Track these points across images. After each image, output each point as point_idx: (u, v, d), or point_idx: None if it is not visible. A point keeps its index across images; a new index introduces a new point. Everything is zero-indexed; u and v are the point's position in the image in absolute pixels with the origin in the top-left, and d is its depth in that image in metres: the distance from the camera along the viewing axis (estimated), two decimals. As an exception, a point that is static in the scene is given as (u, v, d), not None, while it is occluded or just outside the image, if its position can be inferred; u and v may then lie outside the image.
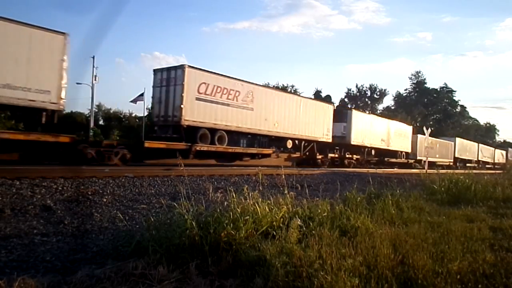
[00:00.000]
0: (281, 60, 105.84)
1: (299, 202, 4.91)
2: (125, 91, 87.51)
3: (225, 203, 3.98)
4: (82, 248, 3.77)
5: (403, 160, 31.94)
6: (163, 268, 2.86)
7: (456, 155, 40.28)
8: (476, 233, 4.59)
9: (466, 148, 44.09)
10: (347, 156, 25.48)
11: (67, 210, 5.60)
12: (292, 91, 54.16)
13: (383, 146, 28.83)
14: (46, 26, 11.46)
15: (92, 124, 24.12)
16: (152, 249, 3.16)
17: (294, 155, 21.11)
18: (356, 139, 25.53)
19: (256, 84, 19.09)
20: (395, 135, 30.61)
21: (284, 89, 53.73)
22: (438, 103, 72.42)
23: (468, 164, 40.33)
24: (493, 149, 53.03)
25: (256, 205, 3.98)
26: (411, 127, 34.87)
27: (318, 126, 22.24)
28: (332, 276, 2.68)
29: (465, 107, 75.71)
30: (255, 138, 18.97)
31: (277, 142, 20.15)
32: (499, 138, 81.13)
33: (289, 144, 20.46)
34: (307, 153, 21.97)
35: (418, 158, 33.31)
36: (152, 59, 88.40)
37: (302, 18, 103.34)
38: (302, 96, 25.69)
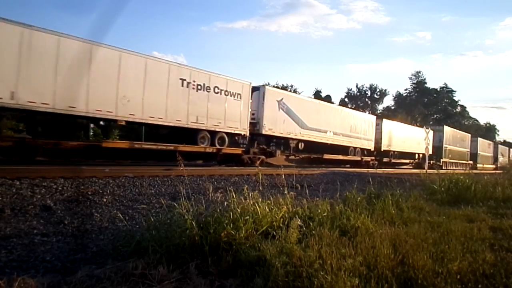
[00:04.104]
0: (280, 60, 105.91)
1: (299, 202, 4.90)
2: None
3: (225, 203, 3.97)
4: (82, 248, 3.77)
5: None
6: (163, 268, 2.86)
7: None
8: (476, 233, 4.58)
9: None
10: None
11: (67, 210, 5.60)
12: (292, 91, 54.10)
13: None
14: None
15: (92, 124, 24.03)
16: (152, 249, 3.15)
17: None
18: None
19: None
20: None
21: (284, 88, 53.46)
22: (438, 103, 72.45)
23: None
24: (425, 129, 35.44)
25: (256, 205, 3.98)
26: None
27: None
28: (332, 276, 2.68)
29: (465, 107, 75.71)
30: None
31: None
32: (499, 138, 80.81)
33: None
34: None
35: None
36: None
37: (301, 18, 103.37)
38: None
